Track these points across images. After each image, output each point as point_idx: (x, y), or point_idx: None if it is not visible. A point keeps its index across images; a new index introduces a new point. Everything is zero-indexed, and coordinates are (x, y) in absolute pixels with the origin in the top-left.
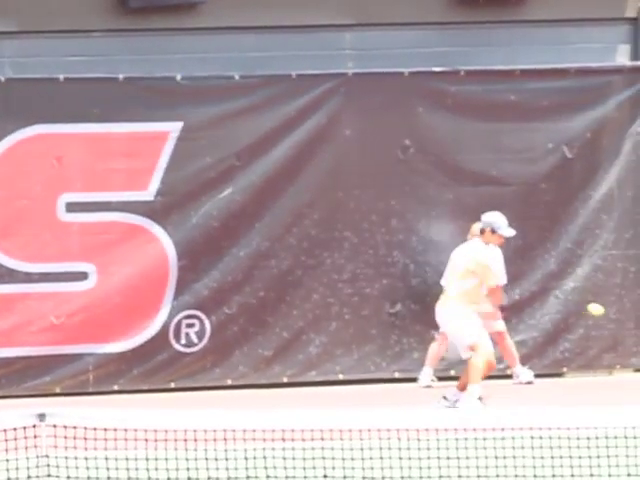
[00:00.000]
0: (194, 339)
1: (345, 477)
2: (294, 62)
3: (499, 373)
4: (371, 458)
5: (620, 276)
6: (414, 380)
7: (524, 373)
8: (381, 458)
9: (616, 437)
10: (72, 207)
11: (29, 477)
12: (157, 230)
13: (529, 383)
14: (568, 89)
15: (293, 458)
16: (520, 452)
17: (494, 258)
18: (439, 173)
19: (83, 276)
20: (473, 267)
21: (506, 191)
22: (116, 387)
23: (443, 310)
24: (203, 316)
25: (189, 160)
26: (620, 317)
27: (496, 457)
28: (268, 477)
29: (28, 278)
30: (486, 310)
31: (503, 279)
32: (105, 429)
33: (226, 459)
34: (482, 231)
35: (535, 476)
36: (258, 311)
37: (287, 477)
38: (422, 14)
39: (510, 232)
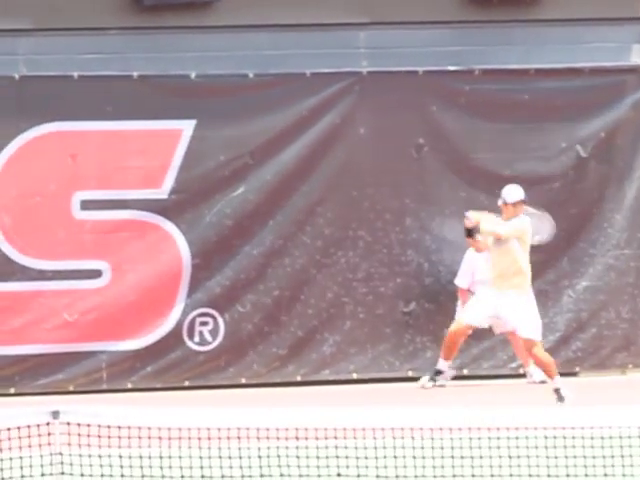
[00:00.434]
0: (208, 338)
1: (359, 476)
2: (308, 60)
3: (512, 372)
4: (385, 457)
5: (633, 275)
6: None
7: (537, 372)
8: (395, 457)
9: (630, 437)
10: (86, 205)
11: (43, 474)
12: (171, 228)
13: (542, 382)
14: (582, 88)
15: (307, 457)
16: (534, 452)
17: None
18: (453, 172)
19: (97, 274)
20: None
21: None
22: (130, 385)
23: None
24: (217, 314)
25: (203, 158)
26: (633, 316)
27: (510, 456)
28: (282, 476)
29: (42, 275)
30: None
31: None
32: (119, 427)
33: (240, 457)
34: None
35: (549, 475)
36: (272, 310)
37: (301, 476)
38: (437, 13)
39: (515, 196)
